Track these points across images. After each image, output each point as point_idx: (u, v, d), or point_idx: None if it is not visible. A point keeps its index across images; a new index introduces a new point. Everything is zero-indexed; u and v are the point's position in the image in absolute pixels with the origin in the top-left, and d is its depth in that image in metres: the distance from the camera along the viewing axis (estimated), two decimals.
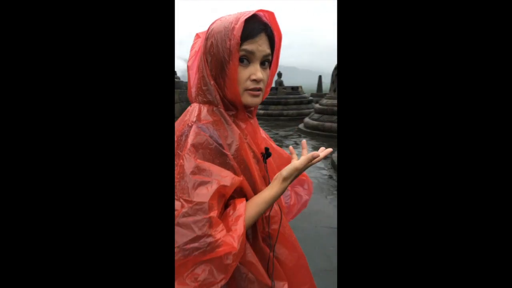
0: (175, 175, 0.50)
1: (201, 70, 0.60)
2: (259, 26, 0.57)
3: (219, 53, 0.56)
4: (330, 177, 3.98)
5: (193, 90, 0.63)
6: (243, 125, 0.63)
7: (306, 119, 8.16)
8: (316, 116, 7.82)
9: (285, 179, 0.59)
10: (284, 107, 10.83)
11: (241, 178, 0.57)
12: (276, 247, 0.67)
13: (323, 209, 2.87)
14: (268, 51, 0.59)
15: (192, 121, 0.57)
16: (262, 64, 0.60)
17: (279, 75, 12.50)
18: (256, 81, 0.58)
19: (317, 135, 7.22)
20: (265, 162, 0.67)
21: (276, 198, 0.59)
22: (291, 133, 7.89)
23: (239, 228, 0.51)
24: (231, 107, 0.62)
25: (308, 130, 7.59)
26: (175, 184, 0.49)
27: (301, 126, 8.26)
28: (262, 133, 0.73)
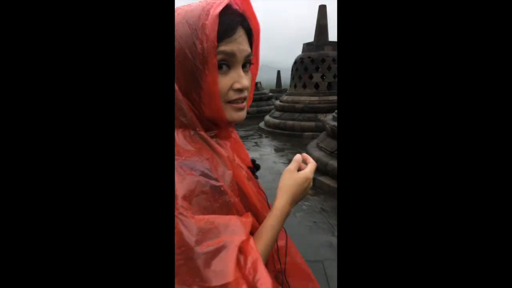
0: (175, 249, 0.38)
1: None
2: (235, 19, 0.46)
3: (188, 61, 0.44)
4: None
5: None
6: (227, 144, 0.54)
7: (267, 117, 7.70)
8: (277, 114, 7.39)
9: (289, 194, 0.53)
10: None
11: (249, 218, 0.47)
12: (290, 281, 0.57)
13: None
14: (249, 49, 0.49)
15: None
16: (243, 67, 0.49)
17: None
18: (240, 90, 0.48)
19: (279, 134, 6.78)
20: (257, 177, 0.60)
21: (284, 220, 0.52)
22: (251, 133, 7.36)
23: (263, 278, 0.40)
24: (211, 125, 0.50)
25: (270, 129, 7.14)
26: (178, 263, 0.38)
27: (261, 124, 7.78)
28: None
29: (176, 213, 0.39)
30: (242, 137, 6.65)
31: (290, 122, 6.82)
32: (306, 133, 6.44)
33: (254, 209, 0.52)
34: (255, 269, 0.41)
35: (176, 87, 0.46)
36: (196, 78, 0.45)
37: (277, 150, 5.54)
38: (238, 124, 8.63)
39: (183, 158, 0.44)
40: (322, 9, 7.39)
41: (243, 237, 0.42)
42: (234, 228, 0.42)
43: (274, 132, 6.94)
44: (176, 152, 0.44)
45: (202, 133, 0.48)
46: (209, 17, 0.42)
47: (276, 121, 7.09)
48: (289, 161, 3.86)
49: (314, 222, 2.68)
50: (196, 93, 0.46)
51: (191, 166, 0.44)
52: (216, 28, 0.43)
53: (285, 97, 7.66)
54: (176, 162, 0.43)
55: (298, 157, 0.58)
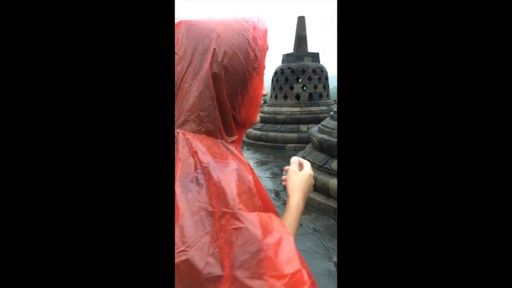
0: (237, 247, 0.38)
1: (203, 89, 0.47)
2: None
3: (241, 65, 0.48)
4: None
5: (177, 114, 0.49)
6: (238, 150, 0.56)
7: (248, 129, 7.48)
8: (258, 125, 7.20)
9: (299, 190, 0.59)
10: None
11: (276, 215, 0.49)
12: None
13: None
14: None
15: (203, 162, 0.44)
16: None
17: None
18: (265, 96, 0.55)
19: (261, 147, 6.58)
20: None
21: (300, 217, 0.57)
22: None
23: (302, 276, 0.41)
24: (234, 131, 0.52)
25: (251, 141, 6.92)
26: (244, 257, 0.38)
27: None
28: None
29: (234, 210, 0.40)
30: None
31: (272, 134, 6.64)
32: (289, 145, 6.29)
33: (270, 211, 0.52)
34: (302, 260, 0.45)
35: (223, 91, 0.48)
36: (245, 82, 0.49)
37: (260, 163, 5.31)
38: None
39: (221, 160, 0.45)
40: (301, 20, 7.39)
41: (290, 232, 0.45)
42: (277, 219, 0.45)
43: (256, 144, 6.73)
44: (212, 154, 0.46)
45: (225, 142, 0.50)
46: (258, 30, 0.50)
47: (258, 132, 6.89)
48: (273, 174, 3.61)
49: (308, 246, 2.45)
50: (241, 95, 0.49)
51: (230, 165, 0.45)
52: (266, 40, 0.50)
53: (266, 108, 7.51)
54: (216, 164, 0.44)
55: (295, 159, 0.64)
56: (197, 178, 0.42)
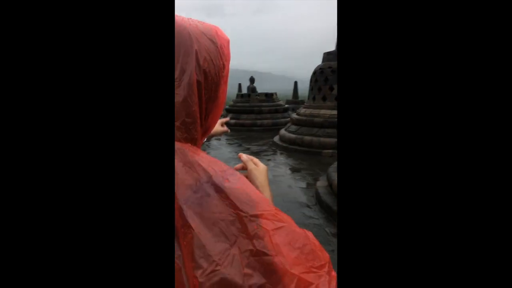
0: (286, 244, 0.37)
1: (189, 94, 0.45)
2: None
3: (215, 72, 0.47)
4: (321, 228, 2.86)
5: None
6: None
7: (282, 131, 7.11)
8: (293, 128, 6.79)
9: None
10: (258, 116, 9.80)
11: None
12: None
13: None
14: None
15: (206, 171, 0.41)
16: None
17: (252, 80, 11.47)
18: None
19: (295, 151, 6.16)
20: None
21: None
22: (265, 148, 6.78)
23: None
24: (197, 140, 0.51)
25: (285, 145, 6.53)
26: (295, 255, 0.37)
27: (276, 139, 7.19)
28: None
29: (270, 211, 0.39)
30: (254, 153, 6.09)
31: (307, 138, 6.19)
32: (326, 151, 5.79)
33: None
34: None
35: (203, 96, 0.47)
36: (217, 88, 0.49)
37: (293, 170, 4.91)
38: (252, 137, 8.15)
39: (220, 168, 0.43)
40: None
41: None
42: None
43: (290, 148, 6.33)
44: (209, 164, 0.43)
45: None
46: (222, 39, 0.49)
47: (292, 136, 6.48)
48: (308, 184, 3.21)
49: None
50: (212, 101, 0.49)
51: (238, 173, 0.45)
52: (229, 51, 0.51)
53: (302, 110, 7.06)
54: (220, 172, 0.42)
55: (245, 156, 0.63)
56: (203, 189, 0.39)
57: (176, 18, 0.46)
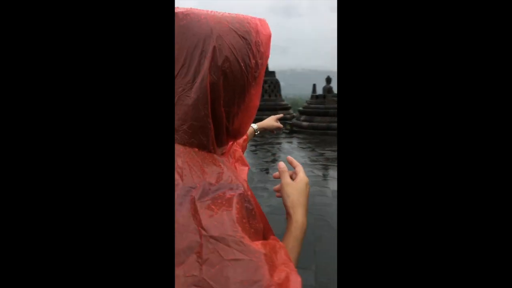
0: (239, 282, 0.32)
1: (200, 97, 0.42)
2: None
3: (241, 73, 0.43)
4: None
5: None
6: (232, 162, 0.56)
7: None
8: None
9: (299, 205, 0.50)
10: (333, 119, 9.11)
11: (276, 240, 0.43)
12: None
13: None
14: None
15: (196, 183, 0.39)
16: None
17: (328, 80, 10.79)
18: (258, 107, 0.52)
19: None
20: None
21: (304, 235, 0.49)
22: None
23: None
24: (224, 143, 0.49)
25: None
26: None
27: None
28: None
29: (235, 238, 0.35)
30: (327, 160, 5.58)
31: None
32: None
33: (268, 232, 0.48)
34: None
35: (220, 99, 0.43)
36: (244, 90, 0.45)
37: None
38: (326, 142, 7.58)
39: (215, 180, 0.41)
40: None
41: (293, 265, 0.40)
42: (283, 257, 0.39)
43: None
44: (203, 173, 0.41)
45: (217, 156, 0.46)
46: (261, 35, 0.44)
47: None
48: None
49: None
50: (238, 105, 0.45)
51: (229, 187, 0.41)
52: (269, 47, 0.45)
53: None
54: (211, 187, 0.40)
55: (283, 166, 0.55)
56: (180, 195, 0.38)
57: (199, 15, 0.42)
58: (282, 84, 12.96)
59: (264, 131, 0.99)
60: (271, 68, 12.49)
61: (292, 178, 0.54)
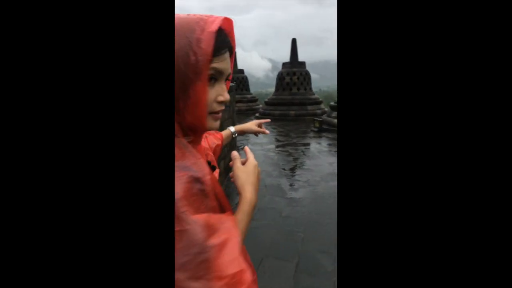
0: (181, 246, 0.39)
1: None
2: (225, 40, 0.51)
3: (178, 70, 0.47)
4: None
5: None
6: (198, 149, 0.58)
7: None
8: None
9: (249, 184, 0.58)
10: None
11: (230, 215, 0.51)
12: None
13: None
14: (230, 69, 0.55)
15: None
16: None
17: None
18: (223, 103, 0.54)
19: None
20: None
21: (253, 211, 0.57)
22: None
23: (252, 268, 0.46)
24: (188, 132, 0.54)
25: None
26: (185, 259, 0.39)
27: None
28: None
29: (178, 212, 0.40)
30: None
31: None
32: None
33: (225, 209, 0.54)
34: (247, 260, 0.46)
35: None
36: (186, 86, 0.48)
37: None
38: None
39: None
40: None
41: (239, 233, 0.46)
42: (228, 225, 0.46)
43: None
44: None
45: (184, 140, 0.51)
46: (205, 32, 0.46)
47: None
48: None
49: None
50: (183, 101, 0.49)
51: (183, 167, 0.46)
52: (212, 44, 0.47)
53: None
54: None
55: (236, 154, 0.62)
56: None
57: (181, 16, 0.48)
58: (314, 76, 11.88)
59: (242, 134, 1.05)
60: (301, 59, 11.51)
61: (243, 164, 0.61)
